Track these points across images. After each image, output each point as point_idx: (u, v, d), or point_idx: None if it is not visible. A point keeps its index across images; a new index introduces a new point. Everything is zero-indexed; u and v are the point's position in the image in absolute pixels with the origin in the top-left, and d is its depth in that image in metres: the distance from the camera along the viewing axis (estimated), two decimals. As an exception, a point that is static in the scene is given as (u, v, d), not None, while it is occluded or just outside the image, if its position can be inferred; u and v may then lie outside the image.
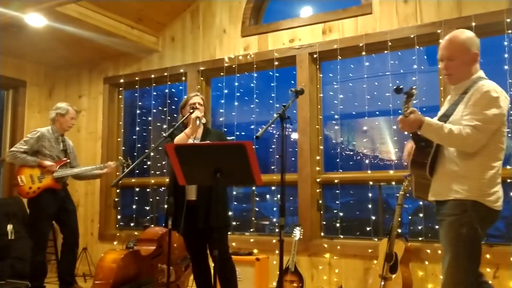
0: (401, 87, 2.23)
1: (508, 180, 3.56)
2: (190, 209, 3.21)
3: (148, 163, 5.44)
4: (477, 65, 2.36)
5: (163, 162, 5.30)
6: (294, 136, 4.68)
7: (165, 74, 5.33)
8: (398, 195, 3.72)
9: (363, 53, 4.27)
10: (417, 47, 4.06)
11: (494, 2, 3.76)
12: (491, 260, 3.58)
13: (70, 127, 4.42)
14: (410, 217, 4.26)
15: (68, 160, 4.35)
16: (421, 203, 3.97)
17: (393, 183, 4.11)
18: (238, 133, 4.88)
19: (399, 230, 3.71)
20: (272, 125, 2.60)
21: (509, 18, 3.64)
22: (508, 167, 3.62)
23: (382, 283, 3.57)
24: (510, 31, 3.67)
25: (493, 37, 3.86)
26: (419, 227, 3.99)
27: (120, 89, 5.87)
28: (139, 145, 5.55)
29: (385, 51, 4.19)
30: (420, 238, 3.96)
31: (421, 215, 3.96)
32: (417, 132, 2.26)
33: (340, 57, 4.40)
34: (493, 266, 3.59)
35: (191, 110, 3.21)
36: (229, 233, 4.64)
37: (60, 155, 4.30)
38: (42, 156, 4.19)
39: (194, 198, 3.22)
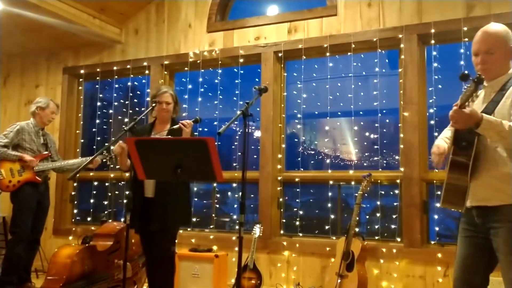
0: (466, 72, 1.97)
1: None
2: (146, 207, 3.15)
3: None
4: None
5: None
6: (257, 134, 4.70)
7: (128, 66, 5.21)
8: (356, 194, 3.81)
9: (327, 53, 4.33)
10: (379, 50, 4.17)
11: (452, 10, 3.91)
12: (442, 259, 3.73)
13: (50, 121, 4.40)
14: (367, 217, 4.36)
15: (49, 154, 4.31)
16: (378, 203, 4.08)
17: (353, 183, 4.20)
18: (200, 129, 4.84)
19: (357, 229, 3.79)
20: (235, 122, 2.60)
21: (466, 27, 3.79)
22: None
23: (339, 280, 3.64)
24: (466, 39, 3.81)
25: (450, 44, 4.02)
26: (376, 227, 4.09)
27: (80, 80, 5.70)
28: (98, 138, 5.40)
29: (349, 53, 4.26)
30: (376, 237, 4.07)
31: (378, 214, 4.06)
32: (475, 129, 1.99)
33: (304, 57, 4.44)
34: (443, 265, 3.74)
35: (153, 105, 3.23)
36: (189, 229, 4.66)
37: (40, 148, 4.25)
38: (22, 150, 4.14)
39: (151, 196, 3.17)
